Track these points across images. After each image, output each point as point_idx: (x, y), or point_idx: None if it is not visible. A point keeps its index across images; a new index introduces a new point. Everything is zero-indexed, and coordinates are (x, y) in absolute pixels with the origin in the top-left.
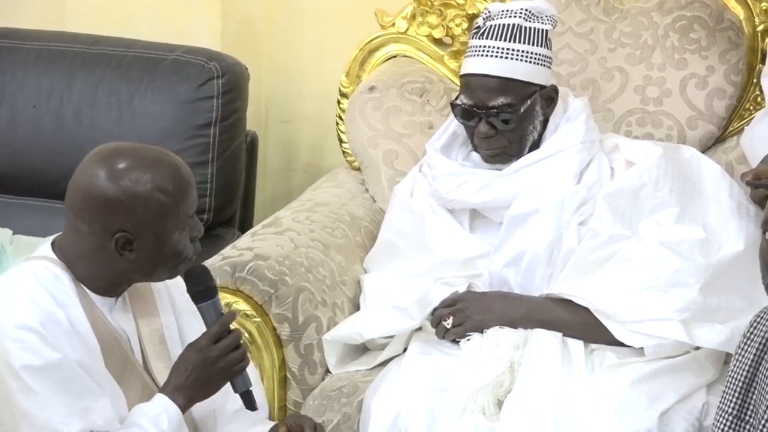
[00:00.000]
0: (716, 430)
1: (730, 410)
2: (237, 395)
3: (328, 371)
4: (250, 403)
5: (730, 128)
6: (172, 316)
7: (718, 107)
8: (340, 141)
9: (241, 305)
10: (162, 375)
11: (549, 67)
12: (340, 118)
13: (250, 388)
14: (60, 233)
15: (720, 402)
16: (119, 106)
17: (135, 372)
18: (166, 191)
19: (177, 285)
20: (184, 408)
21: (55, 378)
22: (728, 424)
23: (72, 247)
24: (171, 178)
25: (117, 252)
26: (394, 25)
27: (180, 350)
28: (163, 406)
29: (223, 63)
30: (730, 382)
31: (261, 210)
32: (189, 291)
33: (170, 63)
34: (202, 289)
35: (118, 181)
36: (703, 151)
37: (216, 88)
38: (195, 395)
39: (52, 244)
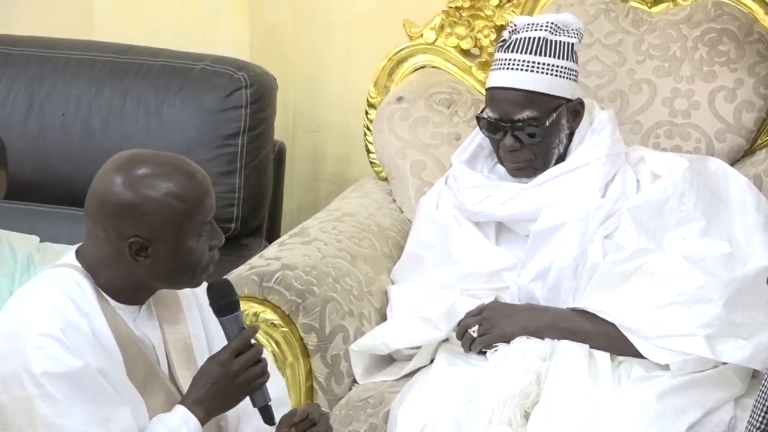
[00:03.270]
0: None
1: (758, 425)
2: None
3: (354, 381)
4: (268, 418)
5: (759, 141)
6: (199, 323)
7: (746, 120)
8: (368, 151)
9: (269, 315)
10: (187, 383)
11: (575, 81)
12: (368, 128)
13: (269, 403)
14: (83, 242)
15: (750, 416)
16: (147, 115)
17: (159, 381)
18: (179, 197)
19: (204, 293)
20: (204, 421)
21: (76, 386)
22: None
23: (92, 254)
24: (185, 184)
25: (132, 258)
26: (422, 35)
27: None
28: (183, 418)
29: (251, 73)
30: (761, 397)
31: (288, 219)
32: (211, 304)
33: (198, 72)
34: (224, 303)
35: (132, 186)
36: (732, 164)
37: (244, 97)
38: (214, 408)
39: (77, 252)
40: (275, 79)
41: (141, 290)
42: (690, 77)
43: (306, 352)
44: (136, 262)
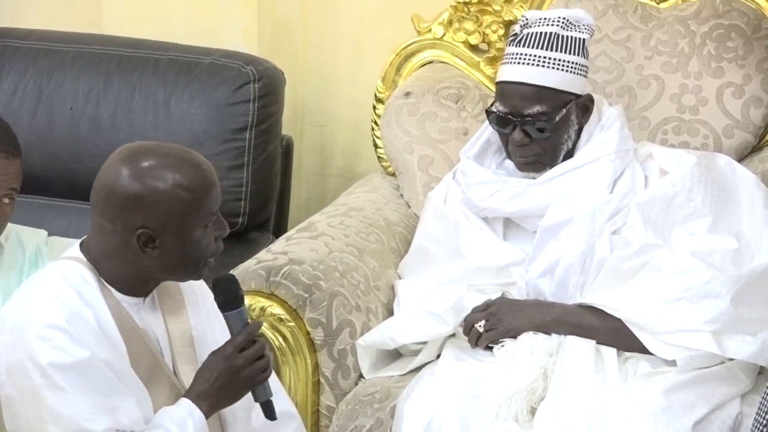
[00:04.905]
0: None
1: (764, 421)
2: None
3: (361, 376)
4: (269, 413)
5: (767, 137)
6: (201, 317)
7: (754, 116)
8: (375, 146)
9: (275, 309)
10: (188, 377)
11: (585, 77)
12: (376, 123)
13: (271, 398)
14: (88, 234)
15: (756, 413)
16: (155, 109)
17: (163, 373)
18: (186, 188)
19: (205, 286)
20: (208, 414)
21: (83, 376)
22: None
23: (98, 246)
24: (191, 175)
25: (140, 249)
26: (430, 30)
27: (209, 352)
28: (188, 411)
29: (259, 67)
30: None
31: (295, 214)
32: (216, 299)
33: (207, 66)
34: (230, 299)
35: (140, 178)
36: (739, 160)
37: (252, 92)
38: (219, 402)
39: (81, 244)
40: (283, 73)
41: (146, 282)
42: (698, 73)
43: (313, 347)
44: (143, 254)
